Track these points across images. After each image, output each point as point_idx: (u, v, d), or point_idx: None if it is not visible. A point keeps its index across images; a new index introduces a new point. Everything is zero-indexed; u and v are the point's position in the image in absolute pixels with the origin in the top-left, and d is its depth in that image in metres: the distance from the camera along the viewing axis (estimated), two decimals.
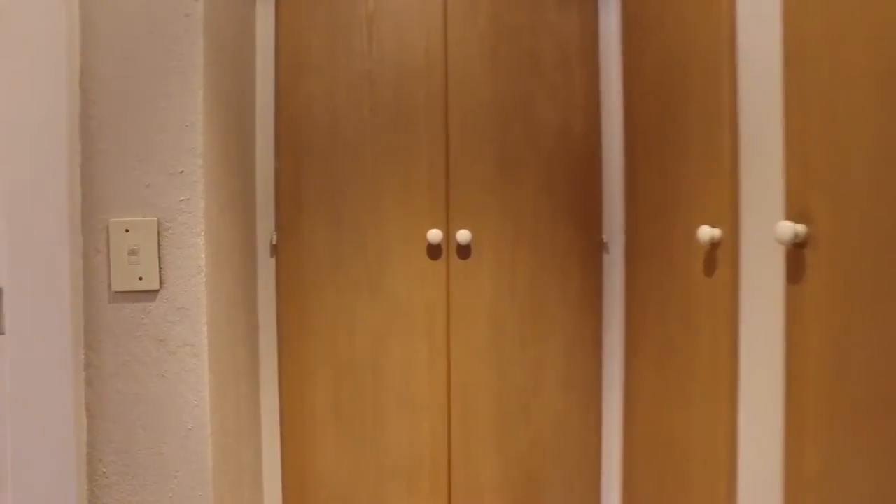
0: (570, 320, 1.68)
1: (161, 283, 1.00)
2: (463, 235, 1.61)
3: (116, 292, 0.99)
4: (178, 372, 1.01)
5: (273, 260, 1.61)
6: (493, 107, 1.65)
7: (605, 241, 1.69)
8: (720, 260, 1.11)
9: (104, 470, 1.02)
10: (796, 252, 0.90)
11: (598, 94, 1.68)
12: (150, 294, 0.99)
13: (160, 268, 0.99)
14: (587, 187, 1.68)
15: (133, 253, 0.98)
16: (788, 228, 0.87)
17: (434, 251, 1.64)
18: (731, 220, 1.07)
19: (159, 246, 0.99)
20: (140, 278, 0.98)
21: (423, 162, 1.63)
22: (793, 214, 0.90)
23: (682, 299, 1.26)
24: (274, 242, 1.60)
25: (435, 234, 1.61)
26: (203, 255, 1.01)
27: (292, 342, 1.62)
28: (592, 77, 1.68)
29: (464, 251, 1.65)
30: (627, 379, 1.59)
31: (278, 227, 1.60)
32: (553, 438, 1.69)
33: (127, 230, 0.98)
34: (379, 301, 1.63)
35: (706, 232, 1.11)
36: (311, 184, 1.61)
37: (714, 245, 1.12)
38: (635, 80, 1.52)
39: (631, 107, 1.55)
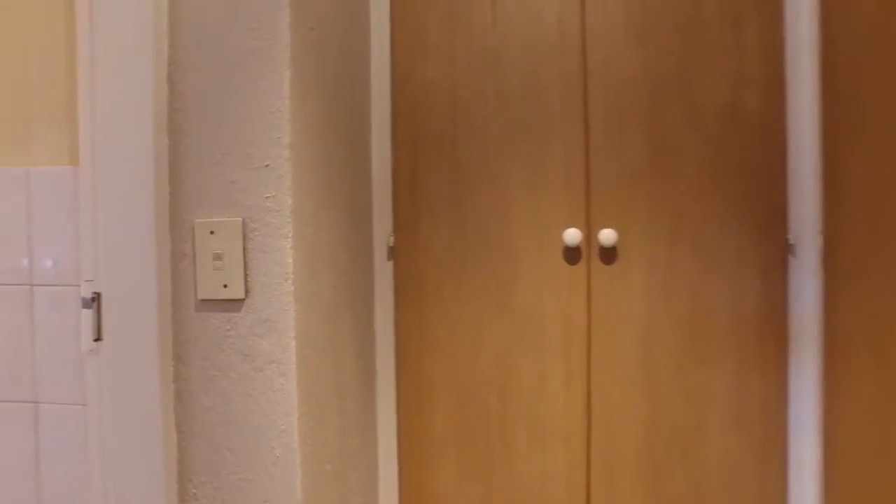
0: (744, 341, 1.36)
1: (246, 291, 0.89)
2: (607, 236, 1.37)
3: (202, 300, 0.90)
4: (265, 391, 0.90)
5: (391, 263, 1.48)
6: (642, 83, 1.38)
7: (791, 242, 1.33)
8: None
9: (195, 491, 0.94)
10: None
11: (782, 59, 1.34)
12: (236, 303, 0.89)
13: (245, 274, 0.89)
14: (767, 176, 1.35)
15: (218, 257, 0.89)
16: None
17: (572, 254, 1.40)
18: None
19: (244, 250, 0.89)
20: (225, 286, 0.89)
21: (559, 151, 1.41)
22: None
23: None
24: (391, 244, 1.47)
25: (573, 235, 1.38)
26: (290, 261, 0.88)
27: (410, 355, 1.48)
28: (773, 37, 1.34)
29: (608, 254, 1.39)
30: (827, 424, 1.23)
31: (395, 226, 1.47)
32: (721, 485, 1.37)
33: (212, 232, 0.89)
34: (507, 312, 1.43)
35: None
36: (429, 178, 1.46)
37: None
38: (839, 34, 1.16)
39: (832, 71, 1.20)
